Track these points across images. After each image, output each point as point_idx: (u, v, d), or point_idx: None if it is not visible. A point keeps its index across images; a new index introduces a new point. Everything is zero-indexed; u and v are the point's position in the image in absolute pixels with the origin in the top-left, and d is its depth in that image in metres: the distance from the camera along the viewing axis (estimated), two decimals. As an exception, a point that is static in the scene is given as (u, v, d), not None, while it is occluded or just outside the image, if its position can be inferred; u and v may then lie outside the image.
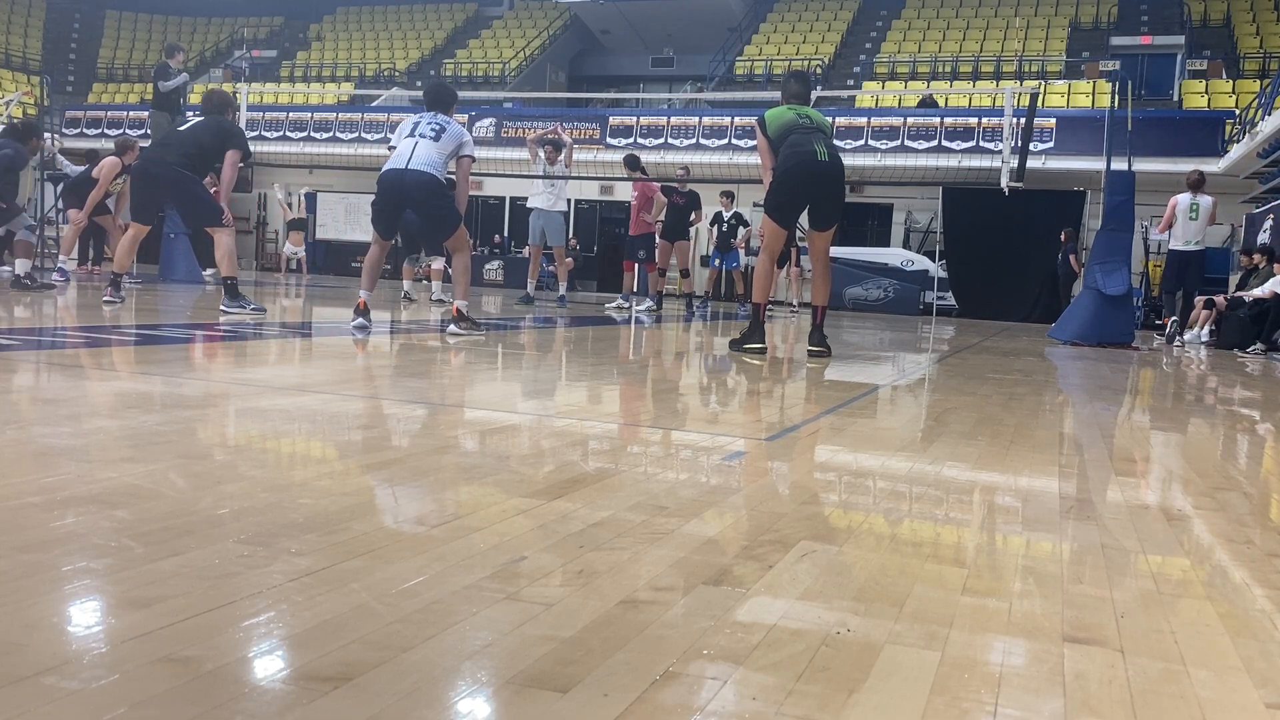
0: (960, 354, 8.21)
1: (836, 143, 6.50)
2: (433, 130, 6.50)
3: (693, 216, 12.53)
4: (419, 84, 26.30)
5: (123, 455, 2.25)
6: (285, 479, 2.17)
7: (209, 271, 10.85)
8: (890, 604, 1.53)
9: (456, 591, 1.44)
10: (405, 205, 6.59)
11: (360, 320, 6.41)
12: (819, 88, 22.23)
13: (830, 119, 6.16)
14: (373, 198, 6.67)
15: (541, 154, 12.25)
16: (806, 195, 6.07)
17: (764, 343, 6.33)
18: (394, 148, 6.55)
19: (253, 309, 7.44)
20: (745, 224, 15.17)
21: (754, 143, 20.69)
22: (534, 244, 12.49)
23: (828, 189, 6.02)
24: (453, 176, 6.84)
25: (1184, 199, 11.58)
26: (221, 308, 7.37)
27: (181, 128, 7.84)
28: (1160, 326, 15.84)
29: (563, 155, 12.18)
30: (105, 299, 7.46)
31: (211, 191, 8.01)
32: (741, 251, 15.63)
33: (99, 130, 24.12)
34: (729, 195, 15.20)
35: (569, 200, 22.05)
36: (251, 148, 8.95)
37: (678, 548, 1.75)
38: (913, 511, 2.24)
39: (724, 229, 15.21)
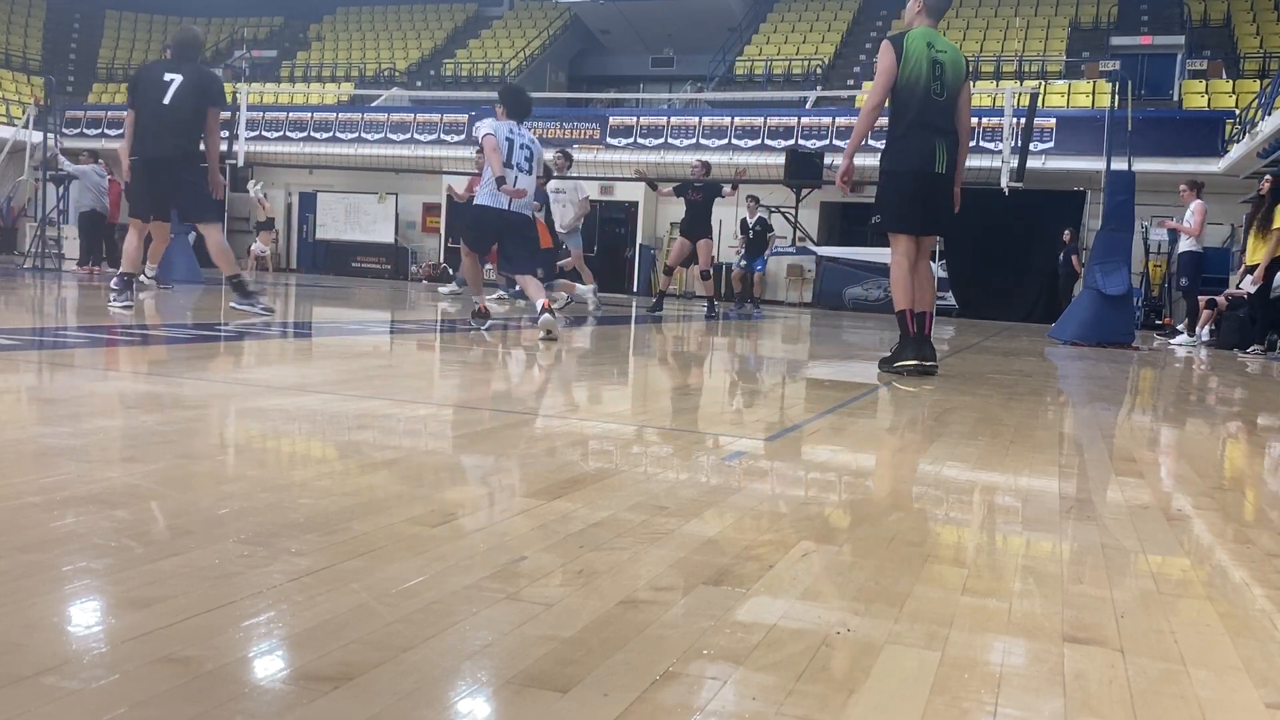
0: (960, 354, 8.21)
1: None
2: (528, 161, 6.94)
3: (726, 191, 11.69)
4: (419, 84, 26.33)
5: (123, 455, 2.25)
6: (285, 479, 2.17)
7: (148, 271, 10.41)
8: (890, 604, 1.53)
9: (456, 591, 1.44)
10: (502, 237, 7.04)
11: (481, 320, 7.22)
12: (818, 87, 22.25)
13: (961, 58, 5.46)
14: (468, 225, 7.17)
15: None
16: (925, 206, 5.41)
17: (917, 358, 5.37)
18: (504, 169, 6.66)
19: (262, 309, 7.14)
20: (771, 229, 15.02)
21: (754, 143, 20.69)
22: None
23: (938, 202, 5.40)
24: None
25: (1205, 204, 11.65)
26: (233, 305, 7.16)
27: (166, 98, 6.86)
28: (1161, 326, 15.86)
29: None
30: (115, 304, 6.85)
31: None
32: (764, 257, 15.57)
33: (99, 130, 24.13)
34: (755, 199, 15.11)
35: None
36: (250, 147, 8.86)
37: (678, 548, 1.75)
38: (913, 511, 2.24)
39: (751, 235, 15.12)
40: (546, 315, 6.42)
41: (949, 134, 5.33)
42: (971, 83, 5.54)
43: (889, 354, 5.64)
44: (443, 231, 22.79)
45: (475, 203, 6.95)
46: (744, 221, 15.10)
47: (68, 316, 6.91)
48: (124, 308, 6.80)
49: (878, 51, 5.66)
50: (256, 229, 21.78)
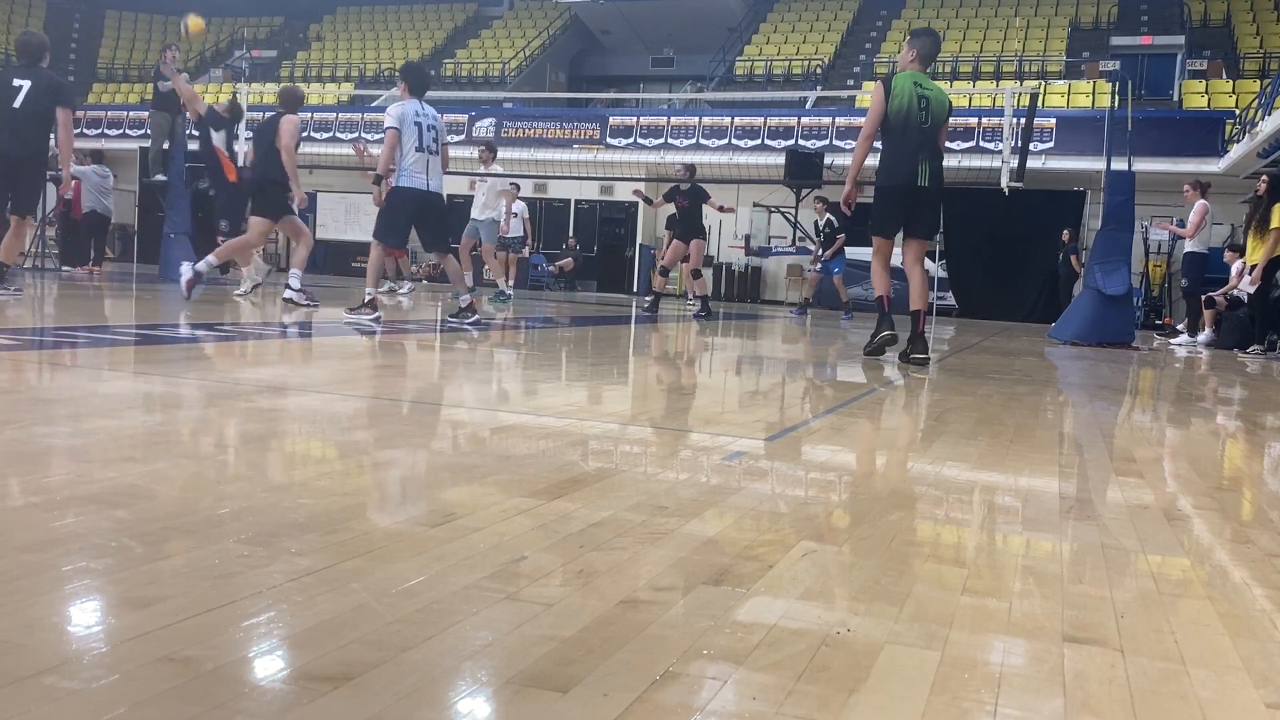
0: (960, 354, 8.21)
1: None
2: (435, 142, 7.15)
3: (707, 210, 11.92)
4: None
5: (123, 455, 2.25)
6: (285, 479, 2.17)
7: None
8: (890, 604, 1.53)
9: (456, 591, 1.44)
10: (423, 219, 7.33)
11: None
12: (818, 87, 22.25)
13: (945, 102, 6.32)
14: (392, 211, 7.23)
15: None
16: (905, 212, 6.25)
17: (892, 329, 6.43)
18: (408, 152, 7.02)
19: (15, 291, 7.56)
20: (840, 232, 14.71)
21: (754, 143, 20.67)
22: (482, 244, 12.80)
23: (923, 210, 6.24)
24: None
25: (1207, 204, 11.63)
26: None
27: (16, 102, 7.29)
28: (1161, 326, 15.86)
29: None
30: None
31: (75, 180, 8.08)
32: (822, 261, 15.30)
33: (99, 130, 24.11)
34: (822, 200, 14.93)
35: (570, 200, 22.12)
36: (250, 147, 9.15)
37: (678, 548, 1.75)
38: (913, 511, 2.24)
39: (821, 237, 14.96)
40: (467, 295, 7.27)
41: (934, 153, 6.11)
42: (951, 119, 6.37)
43: (875, 337, 6.48)
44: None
45: (396, 185, 7.05)
46: (815, 224, 14.92)
47: (66, 317, 6.91)
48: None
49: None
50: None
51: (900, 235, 6.37)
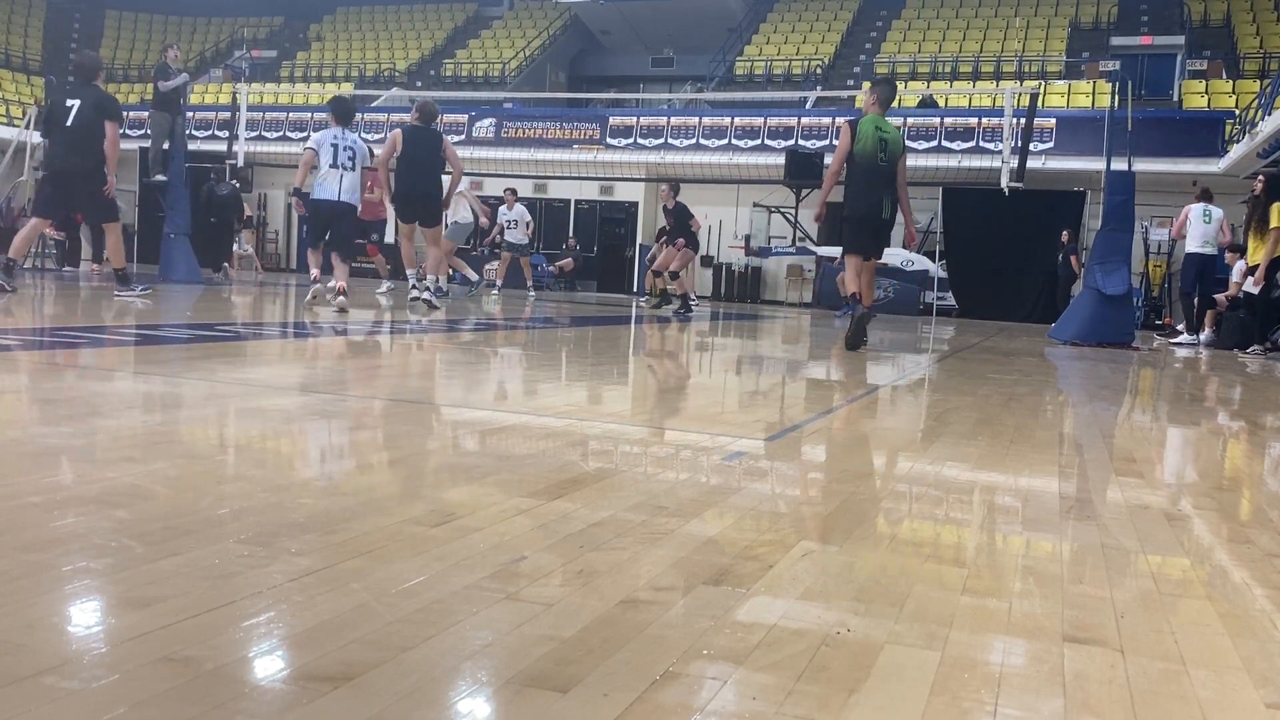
0: (960, 354, 8.21)
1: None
2: (350, 160, 8.35)
3: (692, 225, 12.92)
4: (419, 84, 26.32)
5: (123, 455, 2.25)
6: (285, 479, 2.17)
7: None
8: (890, 604, 1.53)
9: (456, 591, 1.44)
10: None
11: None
12: (818, 87, 22.25)
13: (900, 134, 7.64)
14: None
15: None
16: (872, 240, 7.45)
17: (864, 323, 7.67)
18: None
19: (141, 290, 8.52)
20: None
21: (754, 144, 20.61)
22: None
23: (882, 237, 7.54)
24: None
25: (1196, 206, 11.60)
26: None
27: (70, 120, 7.95)
28: (1161, 326, 15.85)
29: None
30: None
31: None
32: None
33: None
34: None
35: (570, 200, 22.12)
36: (250, 147, 9.55)
37: (678, 548, 1.75)
38: (913, 511, 2.24)
39: None
40: (342, 298, 8.13)
41: (891, 190, 7.32)
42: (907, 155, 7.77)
43: (851, 332, 7.43)
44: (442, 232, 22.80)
45: (312, 198, 8.42)
46: None
47: (67, 316, 6.91)
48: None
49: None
50: (239, 228, 21.75)
51: (871, 255, 7.53)
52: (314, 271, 9.11)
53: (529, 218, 15.50)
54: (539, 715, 1.07)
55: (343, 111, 8.66)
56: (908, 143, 18.28)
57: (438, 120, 9.47)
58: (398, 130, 9.08)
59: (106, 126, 7.94)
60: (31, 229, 8.35)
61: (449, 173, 9.22)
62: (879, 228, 7.39)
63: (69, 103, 8.05)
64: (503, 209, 15.16)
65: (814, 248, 19.06)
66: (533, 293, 15.15)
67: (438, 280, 9.91)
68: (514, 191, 15.53)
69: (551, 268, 21.12)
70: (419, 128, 9.03)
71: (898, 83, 22.71)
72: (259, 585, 1.42)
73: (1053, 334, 11.21)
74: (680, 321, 10.95)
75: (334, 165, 8.28)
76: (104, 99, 8.18)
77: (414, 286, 9.57)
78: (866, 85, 22.50)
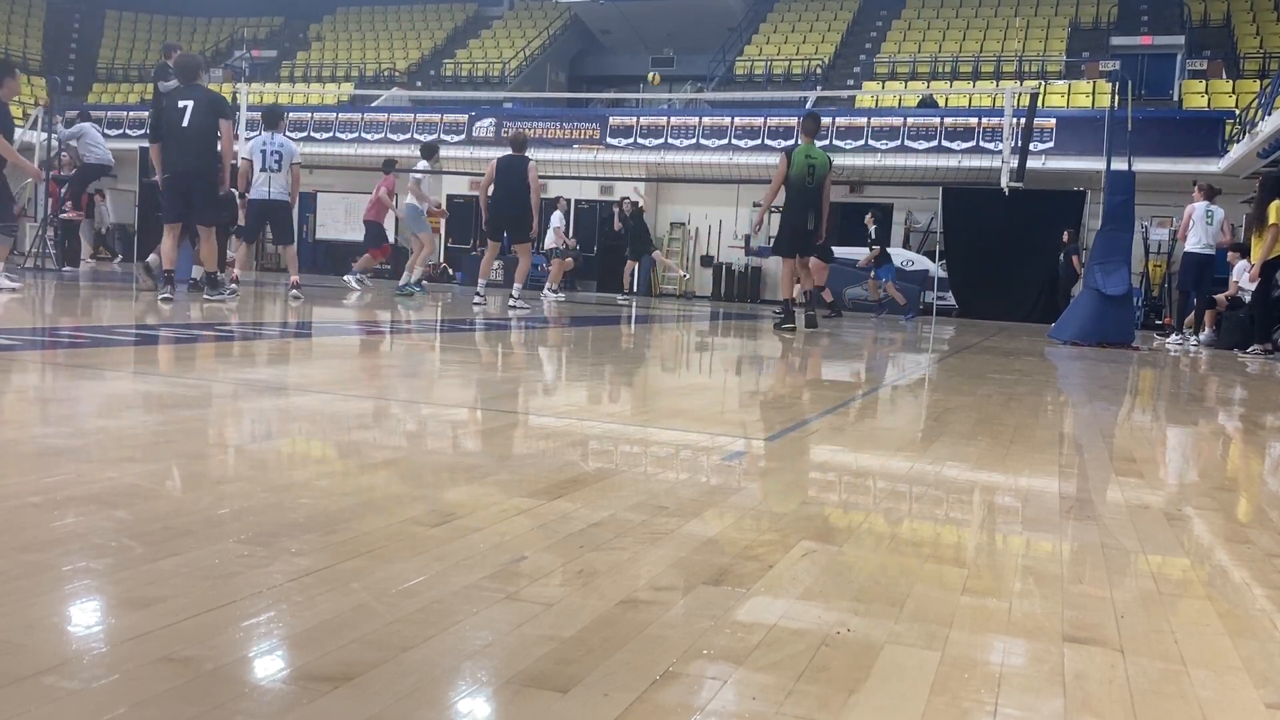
0: (960, 354, 8.21)
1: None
2: (278, 162, 9.32)
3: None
4: (419, 84, 26.32)
5: (123, 455, 2.25)
6: (285, 479, 2.18)
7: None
8: (890, 604, 1.53)
9: (456, 591, 1.44)
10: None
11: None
12: (818, 88, 22.25)
13: (828, 158, 9.64)
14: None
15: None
16: (800, 243, 9.58)
17: (793, 321, 9.79)
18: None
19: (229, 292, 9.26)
20: (877, 242, 15.29)
21: (754, 143, 20.67)
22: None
23: (810, 241, 9.69)
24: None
25: (1199, 206, 11.58)
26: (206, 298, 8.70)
27: (185, 121, 8.04)
28: (1161, 326, 15.85)
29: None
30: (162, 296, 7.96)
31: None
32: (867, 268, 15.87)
33: (99, 130, 24.06)
34: (872, 213, 15.35)
35: (571, 200, 22.13)
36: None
37: (678, 548, 1.75)
38: (913, 511, 2.24)
39: (870, 247, 15.41)
40: (295, 290, 9.19)
41: (817, 206, 9.38)
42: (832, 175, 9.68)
43: (779, 319, 9.86)
44: (443, 232, 22.78)
45: (249, 198, 9.42)
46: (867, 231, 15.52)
47: (66, 317, 6.91)
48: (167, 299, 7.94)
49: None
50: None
51: (797, 255, 9.71)
52: (234, 263, 10.18)
53: (559, 222, 16.16)
54: (539, 715, 1.07)
55: (271, 118, 9.56)
56: (908, 142, 18.45)
57: (527, 149, 10.54)
58: (494, 161, 10.38)
59: (222, 125, 8.10)
60: (174, 239, 8.42)
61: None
62: (804, 235, 9.46)
63: (181, 104, 8.08)
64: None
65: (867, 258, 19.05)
66: (550, 294, 15.89)
67: (515, 285, 11.00)
68: (418, 181, 16.02)
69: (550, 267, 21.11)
70: (511, 156, 10.12)
71: (898, 83, 22.93)
72: (259, 585, 1.42)
73: (1053, 334, 11.20)
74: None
75: (264, 169, 9.30)
76: (217, 98, 8.34)
77: (508, 295, 10.66)
78: (868, 84, 22.63)
